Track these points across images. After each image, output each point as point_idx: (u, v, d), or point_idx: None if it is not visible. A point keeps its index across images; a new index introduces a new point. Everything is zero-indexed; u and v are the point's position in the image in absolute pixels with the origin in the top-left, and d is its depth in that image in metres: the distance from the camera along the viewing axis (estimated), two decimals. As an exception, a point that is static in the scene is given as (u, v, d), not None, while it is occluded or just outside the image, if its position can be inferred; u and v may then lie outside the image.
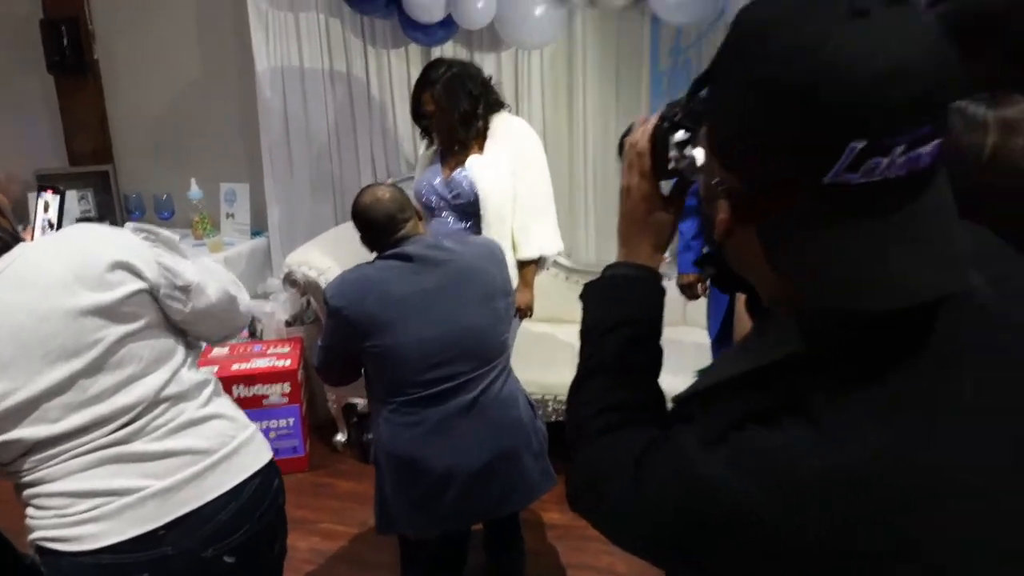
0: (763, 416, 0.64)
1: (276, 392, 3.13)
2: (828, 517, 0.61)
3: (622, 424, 0.80)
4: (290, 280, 3.12)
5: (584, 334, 0.87)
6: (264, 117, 3.63)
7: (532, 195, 2.67)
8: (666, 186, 0.86)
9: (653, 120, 0.84)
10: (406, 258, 1.93)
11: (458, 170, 2.64)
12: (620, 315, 0.85)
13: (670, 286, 3.13)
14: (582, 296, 0.89)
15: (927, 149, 0.60)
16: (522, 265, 2.67)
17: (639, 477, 0.71)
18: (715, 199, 0.70)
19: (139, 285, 1.35)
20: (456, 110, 2.60)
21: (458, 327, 1.90)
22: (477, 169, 2.60)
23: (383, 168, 3.64)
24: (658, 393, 0.85)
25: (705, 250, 0.87)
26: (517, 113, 3.41)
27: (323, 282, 2.88)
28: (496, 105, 2.67)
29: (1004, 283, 0.69)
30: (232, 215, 3.79)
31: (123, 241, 1.36)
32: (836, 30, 0.60)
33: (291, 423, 3.16)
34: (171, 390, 1.38)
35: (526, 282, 2.68)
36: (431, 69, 2.66)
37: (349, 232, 3.32)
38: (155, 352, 1.38)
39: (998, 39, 1.19)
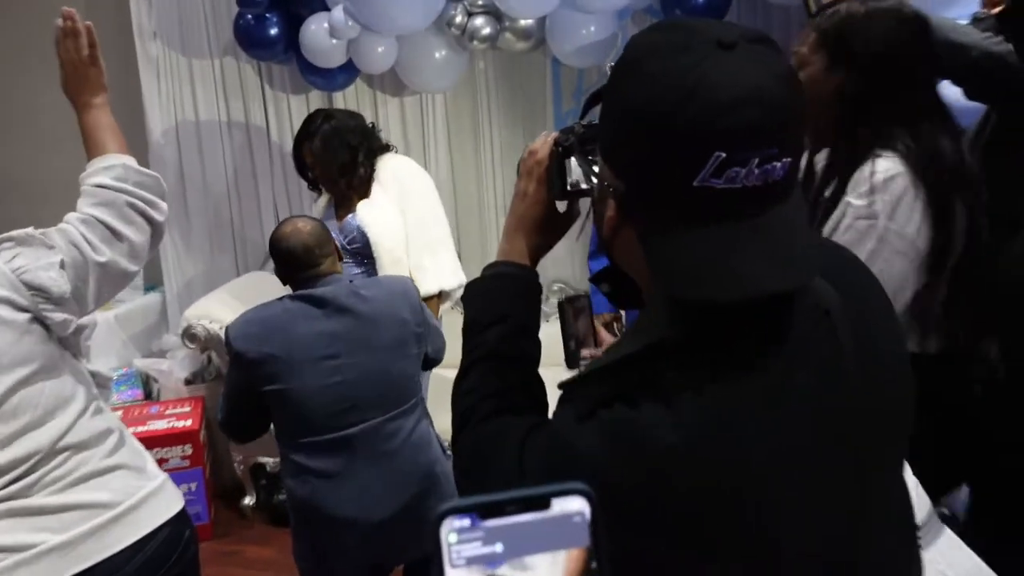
0: (628, 396, 0.71)
1: (176, 455, 3.08)
2: (673, 486, 0.69)
3: (505, 409, 0.85)
4: (190, 335, 3.09)
5: (466, 329, 0.92)
6: (156, 166, 3.56)
7: (423, 231, 2.73)
8: (561, 205, 0.94)
9: (553, 136, 0.91)
10: (317, 302, 1.92)
11: (349, 216, 2.71)
12: (499, 310, 0.91)
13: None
14: (464, 296, 0.95)
15: (779, 164, 0.68)
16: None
17: (522, 456, 0.77)
18: (605, 199, 0.78)
19: (20, 316, 1.32)
20: (334, 162, 2.68)
21: (366, 372, 1.91)
22: (364, 213, 2.67)
23: (286, 216, 3.45)
24: (538, 381, 0.91)
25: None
26: (424, 156, 3.59)
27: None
28: (380, 150, 2.76)
29: (850, 291, 0.78)
30: (123, 270, 3.75)
31: None
32: (706, 59, 0.68)
33: (193, 488, 3.08)
34: (71, 439, 1.36)
35: None
36: (309, 122, 2.76)
37: (252, 283, 3.42)
38: (52, 399, 1.36)
39: (854, 57, 1.40)
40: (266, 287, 2.94)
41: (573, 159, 0.88)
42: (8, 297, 1.32)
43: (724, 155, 0.67)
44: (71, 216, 1.43)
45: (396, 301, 1.98)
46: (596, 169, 0.81)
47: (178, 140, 3.63)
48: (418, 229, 2.71)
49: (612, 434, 0.70)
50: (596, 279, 0.88)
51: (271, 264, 3.14)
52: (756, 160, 0.67)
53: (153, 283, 3.81)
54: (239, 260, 3.75)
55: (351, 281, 2.00)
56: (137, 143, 3.38)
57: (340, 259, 2.04)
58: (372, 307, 1.94)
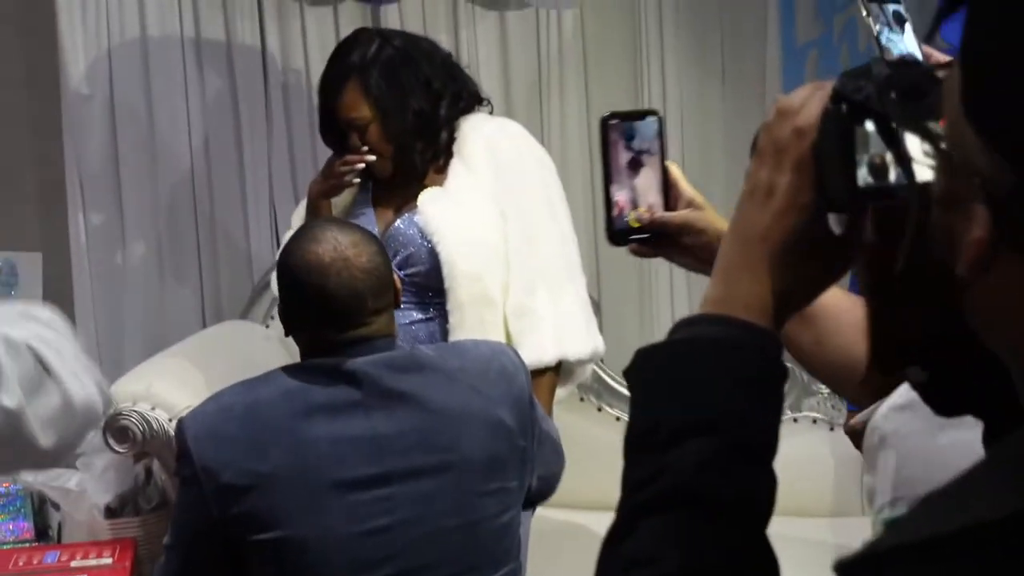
0: None
1: (87, 645, 3.01)
2: None
3: None
4: (116, 429, 2.99)
5: (633, 442, 0.92)
6: (74, 128, 3.59)
7: (535, 249, 2.75)
8: (836, 222, 0.92)
9: (830, 84, 0.90)
10: (346, 378, 1.93)
11: (405, 215, 2.73)
12: (703, 410, 0.90)
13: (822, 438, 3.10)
14: (630, 373, 0.94)
15: None
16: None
17: None
18: (962, 205, 0.75)
19: None
20: (406, 114, 2.70)
21: (431, 515, 1.95)
22: (434, 212, 2.68)
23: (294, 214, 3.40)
24: (765, 553, 0.88)
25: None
26: (540, 124, 3.58)
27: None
28: (468, 100, 2.82)
29: None
30: (9, 306, 3.75)
31: None
32: None
33: None
34: None
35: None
36: (353, 47, 2.78)
37: (230, 341, 3.50)
38: None
39: None
40: (253, 350, 3.21)
41: (870, 127, 0.87)
42: None
43: None
44: None
45: (490, 387, 2.02)
46: (937, 149, 0.81)
47: (111, 82, 3.59)
48: (527, 244, 2.73)
49: None
50: (897, 361, 0.93)
51: (264, 308, 3.49)
52: None
53: (60, 332, 3.84)
54: (207, 297, 3.73)
55: (411, 347, 2.11)
56: (44, 86, 3.68)
57: (397, 305, 2.10)
58: (447, 395, 1.98)
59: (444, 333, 2.67)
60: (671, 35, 3.61)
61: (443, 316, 2.68)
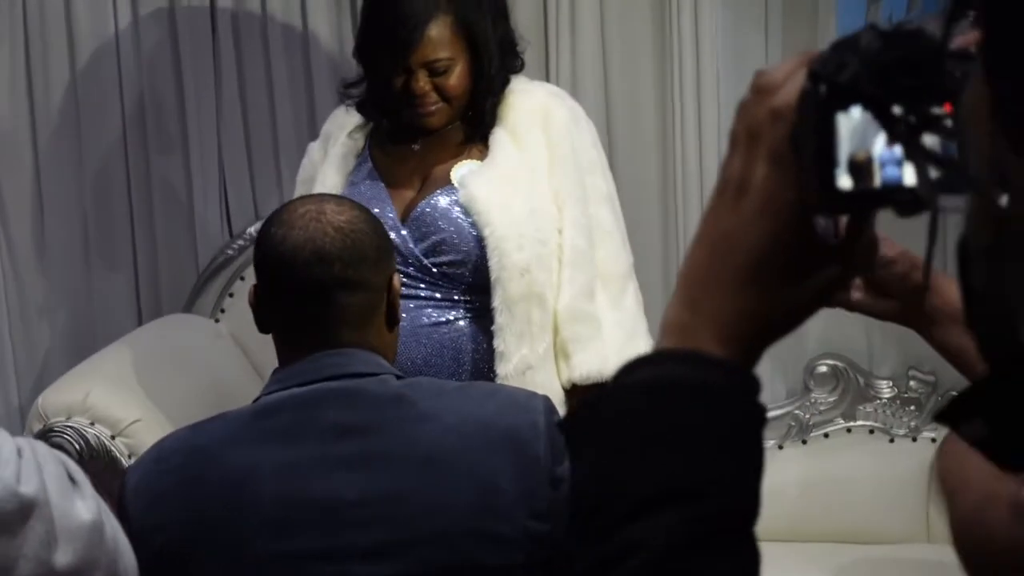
0: None
1: None
2: None
3: None
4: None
5: (586, 509, 0.92)
6: None
7: (596, 248, 2.86)
8: (824, 226, 0.93)
9: (809, 56, 0.90)
10: (309, 424, 1.96)
11: (438, 191, 2.75)
12: (675, 475, 0.91)
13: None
14: (574, 423, 0.96)
15: None
16: (575, 395, 2.78)
17: None
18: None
19: None
20: (492, 53, 2.73)
21: None
22: (484, 189, 2.72)
23: (287, 174, 3.46)
24: None
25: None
26: (547, 64, 3.57)
27: (124, 453, 2.97)
28: (514, 52, 2.87)
29: None
30: None
31: None
32: None
33: None
34: None
35: None
36: None
37: (174, 336, 3.56)
38: None
39: None
40: (203, 350, 3.34)
41: (854, 114, 0.86)
42: None
43: None
44: None
45: (491, 456, 1.99)
46: (956, 161, 0.81)
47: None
48: (584, 238, 2.82)
49: None
50: (952, 412, 0.85)
51: (212, 298, 3.57)
52: None
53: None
54: (143, 286, 3.76)
55: (398, 377, 2.05)
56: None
57: (396, 321, 2.10)
58: (435, 460, 1.99)
59: (477, 337, 2.71)
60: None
61: (476, 317, 2.72)
